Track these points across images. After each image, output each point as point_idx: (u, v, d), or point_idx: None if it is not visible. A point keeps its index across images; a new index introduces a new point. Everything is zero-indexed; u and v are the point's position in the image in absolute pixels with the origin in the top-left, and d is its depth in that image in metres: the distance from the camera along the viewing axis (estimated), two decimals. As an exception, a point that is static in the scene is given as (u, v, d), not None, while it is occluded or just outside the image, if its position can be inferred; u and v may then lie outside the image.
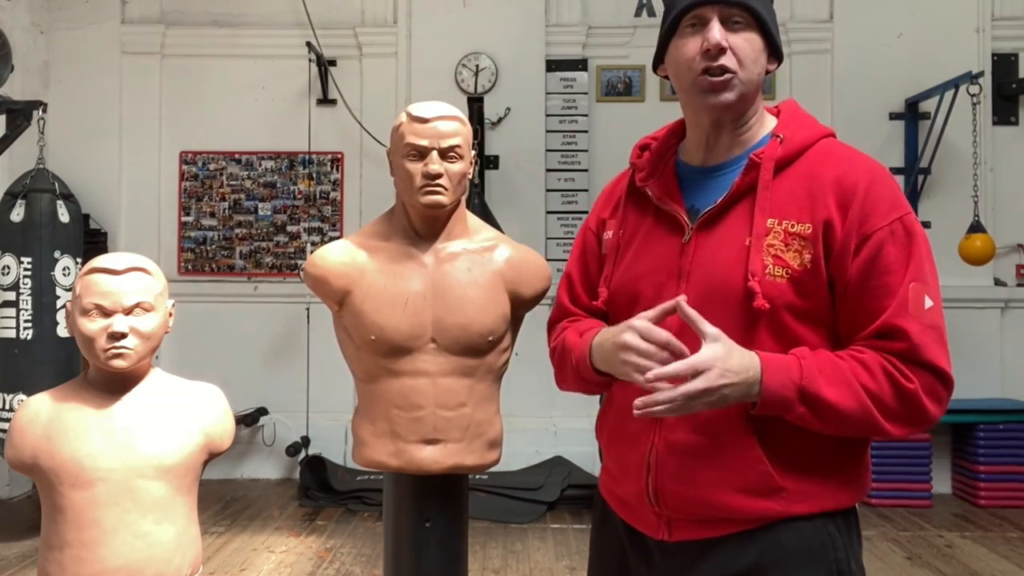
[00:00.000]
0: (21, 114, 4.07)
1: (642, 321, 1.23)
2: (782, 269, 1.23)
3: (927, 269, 1.22)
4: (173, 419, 1.59)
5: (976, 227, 4.57)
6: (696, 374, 1.15)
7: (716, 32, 1.27)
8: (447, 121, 1.82)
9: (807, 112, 1.38)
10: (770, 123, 1.37)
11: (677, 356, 1.19)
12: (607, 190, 1.55)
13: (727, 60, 1.28)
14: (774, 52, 1.34)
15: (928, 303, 1.20)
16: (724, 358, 1.16)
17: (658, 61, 1.41)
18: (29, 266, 3.95)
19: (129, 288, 1.53)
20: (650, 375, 1.17)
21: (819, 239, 1.22)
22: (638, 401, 1.17)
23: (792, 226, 1.24)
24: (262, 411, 5.21)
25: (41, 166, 4.09)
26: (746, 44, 1.29)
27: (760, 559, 1.25)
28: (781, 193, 1.26)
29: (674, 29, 1.34)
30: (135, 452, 1.53)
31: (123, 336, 1.50)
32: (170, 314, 1.62)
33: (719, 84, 1.28)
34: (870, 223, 1.21)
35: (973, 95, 4.56)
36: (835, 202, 1.23)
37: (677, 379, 1.16)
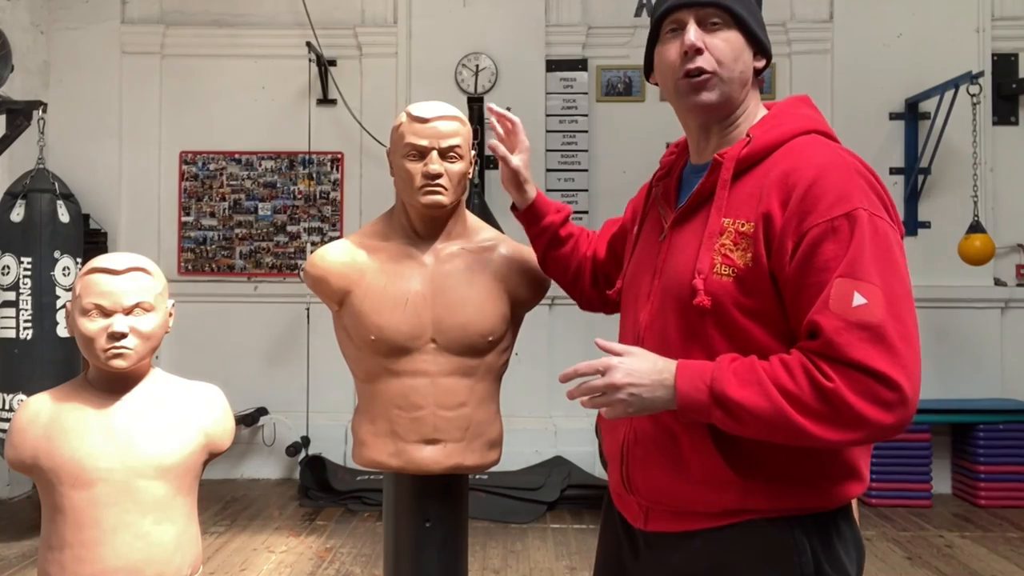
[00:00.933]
0: (21, 114, 4.08)
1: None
2: (728, 268, 1.24)
3: (868, 265, 1.14)
4: (173, 419, 1.59)
5: (976, 227, 4.57)
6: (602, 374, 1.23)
7: (692, 34, 1.30)
8: (447, 121, 1.82)
9: (806, 109, 1.36)
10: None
11: None
12: (646, 183, 1.58)
13: (704, 61, 1.30)
14: (761, 50, 1.35)
15: (858, 300, 1.12)
16: (630, 362, 1.23)
17: (649, 69, 1.44)
18: (29, 266, 3.95)
19: (129, 288, 1.53)
20: (560, 375, 1.29)
21: (760, 237, 1.21)
22: (569, 390, 1.28)
23: (742, 225, 1.24)
24: (262, 411, 5.20)
25: (41, 166, 4.10)
26: (724, 44, 1.30)
27: (725, 557, 1.27)
28: (741, 193, 1.27)
29: (657, 36, 1.38)
30: (135, 452, 1.53)
31: (123, 336, 1.51)
32: (170, 314, 1.62)
33: (698, 84, 1.31)
34: (808, 220, 1.18)
35: (973, 95, 4.56)
36: (777, 199, 1.21)
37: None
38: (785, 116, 1.33)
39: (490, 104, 1.86)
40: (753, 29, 1.32)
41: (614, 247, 1.70)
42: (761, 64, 1.36)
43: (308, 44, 5.11)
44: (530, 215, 1.80)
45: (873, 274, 1.14)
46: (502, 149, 1.76)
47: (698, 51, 1.29)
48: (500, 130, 1.80)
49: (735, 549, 1.26)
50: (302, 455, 5.03)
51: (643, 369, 1.21)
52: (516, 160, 1.78)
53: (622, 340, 1.44)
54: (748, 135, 1.30)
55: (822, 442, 1.14)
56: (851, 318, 1.12)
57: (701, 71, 1.30)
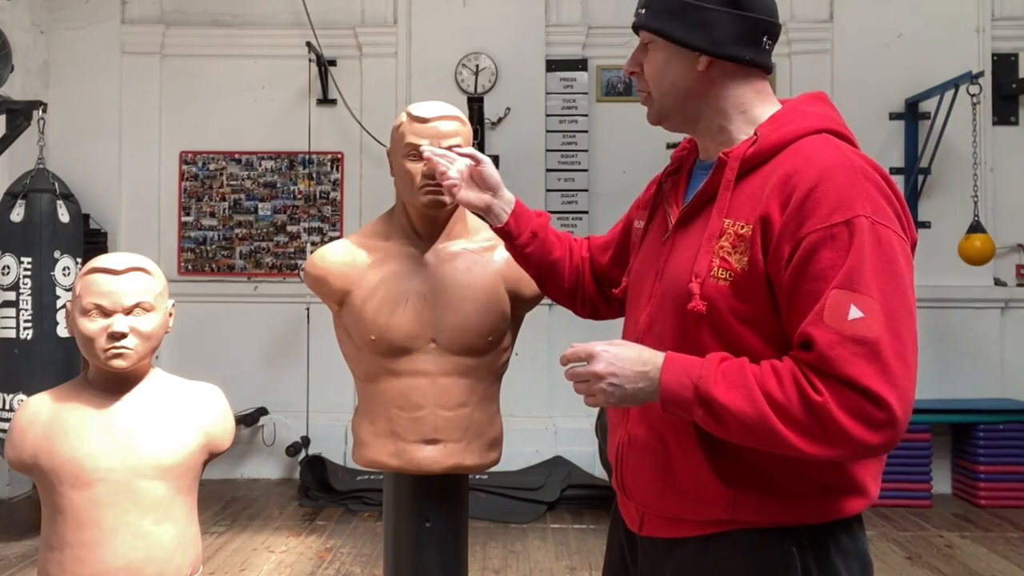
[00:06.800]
0: (21, 114, 4.08)
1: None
2: (726, 272, 1.19)
3: (867, 276, 1.09)
4: (173, 419, 1.59)
5: (976, 227, 4.57)
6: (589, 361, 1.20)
7: (628, 60, 1.37)
8: (447, 121, 1.82)
9: (819, 107, 1.30)
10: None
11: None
12: (655, 178, 1.55)
13: (640, 84, 1.36)
14: (706, 51, 1.26)
15: (855, 314, 1.08)
16: (615, 351, 1.20)
17: None
18: (29, 266, 3.95)
19: (129, 288, 1.53)
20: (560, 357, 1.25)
21: (757, 241, 1.17)
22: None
23: (741, 227, 1.19)
24: (262, 411, 5.20)
25: (41, 166, 4.10)
26: (650, 64, 1.33)
27: (713, 567, 1.24)
28: (743, 194, 1.22)
29: None
30: (135, 452, 1.53)
31: (123, 336, 1.51)
32: (170, 314, 1.62)
33: (644, 101, 1.38)
34: (806, 225, 1.12)
35: (973, 95, 4.56)
36: (778, 202, 1.16)
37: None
38: (796, 114, 1.27)
39: (424, 147, 1.74)
40: (677, 36, 1.27)
41: (617, 246, 1.62)
42: (703, 67, 1.27)
43: (308, 44, 5.11)
44: (515, 223, 1.65)
45: (872, 286, 1.09)
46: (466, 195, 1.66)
47: (632, 74, 1.36)
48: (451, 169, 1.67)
49: (722, 559, 1.23)
50: (302, 455, 5.03)
51: (627, 359, 1.18)
52: (486, 197, 1.66)
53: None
54: (755, 133, 1.25)
55: (803, 455, 1.10)
56: (846, 332, 1.07)
57: (642, 92, 1.37)
